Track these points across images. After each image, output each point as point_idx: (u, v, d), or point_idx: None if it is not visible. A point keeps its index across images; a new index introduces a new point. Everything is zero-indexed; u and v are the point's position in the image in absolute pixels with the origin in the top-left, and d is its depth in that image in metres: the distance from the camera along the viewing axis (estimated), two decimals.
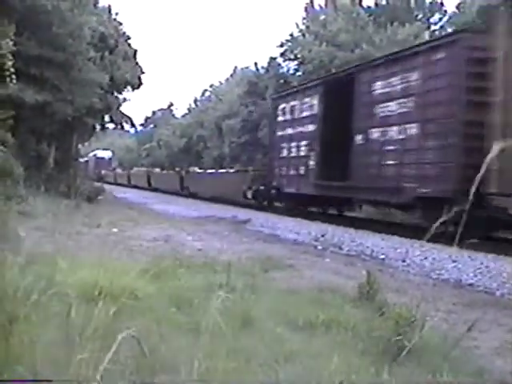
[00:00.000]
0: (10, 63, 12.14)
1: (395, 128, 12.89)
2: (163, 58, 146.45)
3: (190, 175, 31.65)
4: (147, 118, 79.54)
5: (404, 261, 9.40)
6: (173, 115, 78.15)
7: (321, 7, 39.87)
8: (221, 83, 64.47)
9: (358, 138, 14.41)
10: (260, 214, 17.59)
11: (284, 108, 19.41)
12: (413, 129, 12.23)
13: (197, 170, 33.84)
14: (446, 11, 35.89)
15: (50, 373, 2.28)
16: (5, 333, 2.31)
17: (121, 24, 25.90)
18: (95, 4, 21.53)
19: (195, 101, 68.45)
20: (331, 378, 2.49)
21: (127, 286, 3.75)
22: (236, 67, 63.08)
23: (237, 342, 3.20)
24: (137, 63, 26.41)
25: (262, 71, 45.46)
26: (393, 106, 13.06)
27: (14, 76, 12.17)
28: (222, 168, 32.44)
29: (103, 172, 52.68)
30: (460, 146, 10.81)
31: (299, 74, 37.75)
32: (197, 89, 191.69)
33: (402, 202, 12.66)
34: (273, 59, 40.97)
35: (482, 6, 22.55)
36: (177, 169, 36.41)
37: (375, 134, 13.73)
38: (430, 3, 36.90)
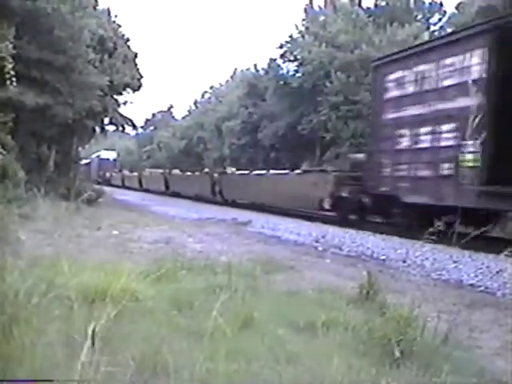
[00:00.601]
0: (10, 66, 12.16)
1: None
2: (163, 60, 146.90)
3: (227, 178, 25.42)
4: (147, 121, 79.72)
5: (404, 261, 9.38)
6: (173, 117, 78.30)
7: (320, 8, 39.93)
8: (221, 85, 64.58)
9: None
10: (261, 216, 17.56)
11: (400, 78, 13.02)
12: None
13: (234, 170, 27.98)
14: (445, 11, 35.99)
15: (50, 375, 2.28)
16: (6, 336, 2.32)
17: (120, 26, 26.00)
18: (95, 7, 21.56)
19: (195, 102, 68.58)
20: (332, 380, 2.50)
21: (128, 289, 3.75)
22: (236, 69, 63.24)
23: (238, 343, 3.20)
24: (136, 65, 26.47)
25: (261, 73, 45.54)
26: None
27: (14, 79, 12.18)
28: (279, 169, 24.91)
29: (108, 174, 48.99)
30: None
31: (299, 75, 37.79)
32: (197, 91, 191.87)
33: None
34: (272, 60, 41.01)
35: (481, 6, 22.56)
36: (206, 169, 31.38)
37: None
38: (430, 4, 36.97)
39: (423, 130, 12.09)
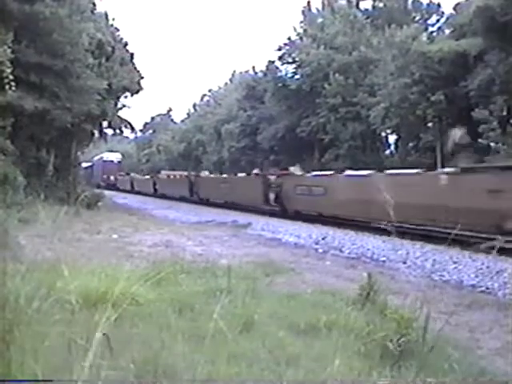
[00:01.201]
0: (8, 70, 12.16)
1: None
2: (161, 63, 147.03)
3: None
4: (146, 124, 79.75)
5: (405, 263, 9.37)
6: (172, 120, 78.40)
7: (318, 10, 40.02)
8: (219, 88, 64.80)
9: None
10: (261, 218, 17.54)
11: None
12: None
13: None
14: (443, 13, 36.03)
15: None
16: (7, 340, 2.31)
17: (118, 30, 26.03)
18: (92, 10, 21.58)
19: (194, 106, 68.74)
20: (333, 381, 2.49)
21: (128, 292, 3.74)
22: (234, 71, 63.51)
23: (238, 346, 3.20)
24: (135, 68, 26.48)
25: (260, 75, 45.62)
26: None
27: (13, 83, 12.18)
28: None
29: (112, 178, 45.48)
30: None
31: (297, 77, 37.86)
32: (195, 94, 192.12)
33: None
34: (271, 63, 41.08)
35: (479, 6, 22.59)
36: (255, 171, 23.81)
37: None
38: (427, 5, 37.03)
39: None
